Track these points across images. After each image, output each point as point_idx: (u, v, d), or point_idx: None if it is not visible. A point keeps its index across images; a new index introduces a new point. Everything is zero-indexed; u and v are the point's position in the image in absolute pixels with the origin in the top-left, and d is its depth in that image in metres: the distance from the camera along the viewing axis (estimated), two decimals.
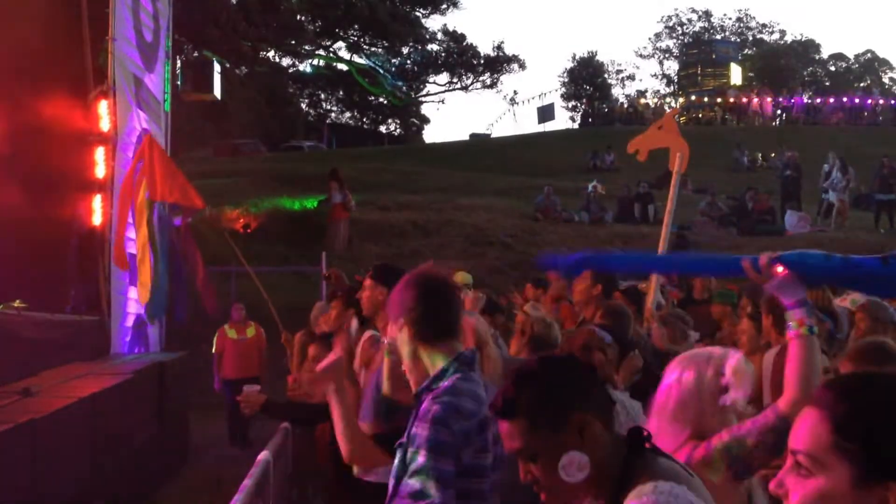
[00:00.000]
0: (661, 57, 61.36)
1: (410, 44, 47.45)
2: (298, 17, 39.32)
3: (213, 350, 10.99)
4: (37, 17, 9.06)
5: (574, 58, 56.39)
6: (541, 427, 2.01)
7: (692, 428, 2.65)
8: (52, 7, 9.28)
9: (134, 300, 9.78)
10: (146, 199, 8.99)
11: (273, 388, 9.99)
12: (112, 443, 6.80)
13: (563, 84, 55.75)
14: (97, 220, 9.36)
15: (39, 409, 5.56)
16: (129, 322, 9.70)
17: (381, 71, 42.99)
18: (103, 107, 9.42)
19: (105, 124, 9.42)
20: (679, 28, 61.58)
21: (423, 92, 51.23)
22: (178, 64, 16.46)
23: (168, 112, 12.18)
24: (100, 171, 9.43)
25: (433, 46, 48.95)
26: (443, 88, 50.75)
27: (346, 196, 18.48)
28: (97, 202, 9.39)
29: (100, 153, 9.42)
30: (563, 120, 54.24)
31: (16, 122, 8.82)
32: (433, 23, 54.72)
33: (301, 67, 45.21)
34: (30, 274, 8.32)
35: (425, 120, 54.25)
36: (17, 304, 7.48)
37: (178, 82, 15.47)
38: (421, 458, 2.51)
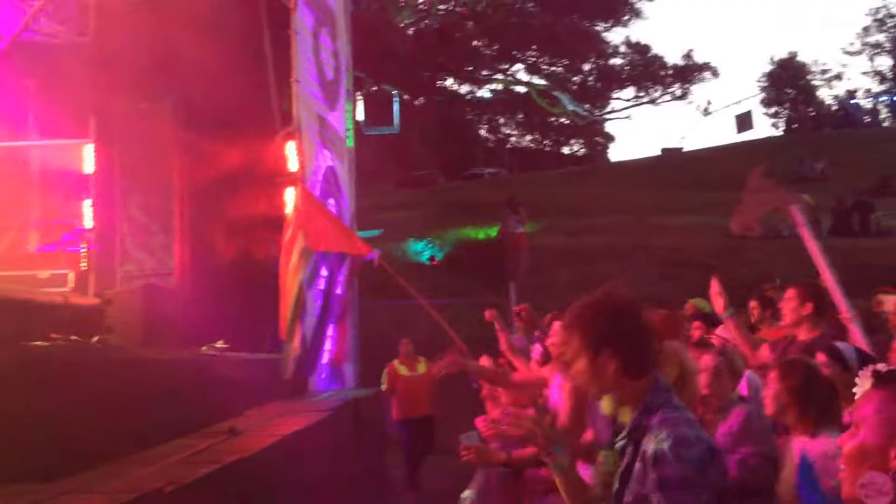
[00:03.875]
0: (872, 53, 58.35)
1: (592, 60, 47.32)
2: (475, 42, 40.11)
3: (384, 387, 11.05)
4: (225, 66, 9.77)
5: (772, 60, 54.59)
6: None
7: None
8: (239, 55, 9.98)
9: (330, 337, 10.28)
10: (303, 250, 9.34)
11: (446, 428, 10.22)
12: (314, 481, 7.15)
13: (763, 89, 54.01)
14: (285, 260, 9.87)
15: (246, 448, 5.93)
16: (326, 359, 10.18)
17: (561, 91, 43.04)
18: (290, 148, 9.96)
19: (293, 165, 9.96)
20: (889, 20, 58.31)
21: (608, 109, 50.90)
22: (359, 99, 17.17)
23: (351, 148, 12.76)
24: (290, 212, 9.97)
25: (616, 60, 48.62)
26: (629, 104, 50.27)
27: (521, 224, 18.67)
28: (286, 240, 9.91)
29: (289, 193, 9.97)
30: (765, 127, 52.53)
31: (211, 168, 9.54)
32: (615, 36, 54.50)
33: (479, 93, 45.98)
34: (229, 314, 8.91)
35: (610, 138, 53.90)
36: (219, 344, 8.04)
37: (360, 118, 16.15)
38: (667, 500, 2.53)
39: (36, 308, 7.21)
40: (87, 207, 10.01)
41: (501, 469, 6.10)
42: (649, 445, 2.60)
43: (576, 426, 4.69)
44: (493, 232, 20.70)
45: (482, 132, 49.87)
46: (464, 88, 45.16)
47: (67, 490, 4.28)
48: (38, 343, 5.81)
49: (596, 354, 2.69)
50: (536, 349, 6.80)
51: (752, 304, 7.92)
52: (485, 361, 7.19)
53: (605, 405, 2.83)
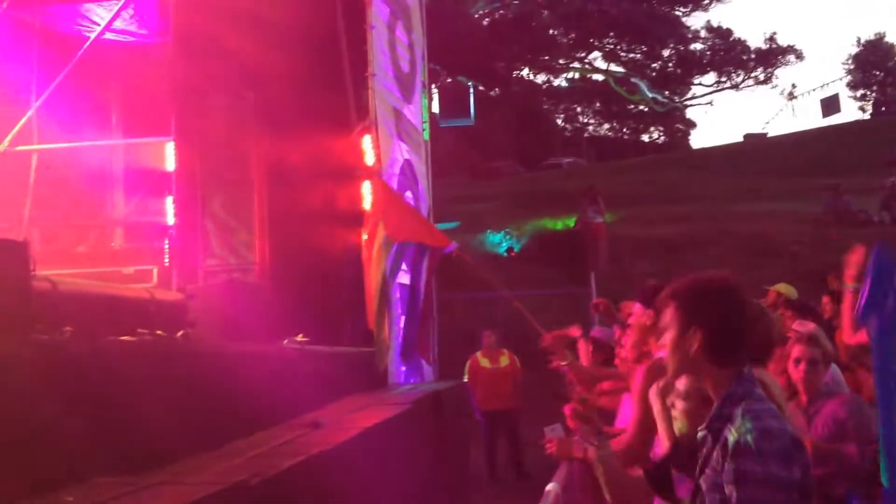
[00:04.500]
0: None
1: (671, 45, 46.63)
2: (551, 31, 39.88)
3: (465, 379, 11.11)
4: (302, 61, 9.89)
5: (859, 42, 53.12)
6: None
7: None
8: (315, 50, 10.08)
9: (409, 330, 10.31)
10: (384, 240, 9.41)
11: (527, 419, 10.18)
12: (396, 474, 7.18)
13: (849, 72, 52.59)
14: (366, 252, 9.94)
15: (328, 441, 5.98)
16: (405, 352, 10.21)
17: (640, 78, 42.52)
18: (367, 141, 10.01)
19: (370, 158, 10.01)
20: None
21: (689, 95, 50.13)
22: (434, 91, 17.23)
23: (427, 141, 12.78)
24: (367, 205, 10.03)
25: (697, 45, 47.83)
26: (710, 89, 49.44)
27: (600, 214, 18.52)
28: (366, 235, 9.98)
29: (366, 187, 10.03)
30: (852, 111, 51.18)
31: (289, 162, 9.67)
32: (695, 20, 53.62)
33: (556, 82, 45.70)
34: (309, 308, 9.01)
35: (691, 124, 53.12)
36: (300, 338, 8.13)
37: (436, 110, 16.19)
38: (744, 493, 2.49)
39: (124, 303, 7.39)
40: (170, 204, 10.23)
41: (584, 463, 6.05)
42: (731, 435, 2.55)
43: (641, 433, 4.57)
44: (571, 222, 20.57)
45: (559, 121, 49.60)
46: (540, 78, 44.99)
47: (153, 482, 4.37)
48: (126, 338, 5.95)
49: (683, 330, 2.68)
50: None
51: (825, 299, 7.72)
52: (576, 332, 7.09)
53: (679, 426, 2.82)
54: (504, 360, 10.97)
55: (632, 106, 48.05)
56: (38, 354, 4.35)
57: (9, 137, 10.44)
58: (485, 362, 11.08)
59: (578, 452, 4.61)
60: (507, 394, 10.93)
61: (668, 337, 2.73)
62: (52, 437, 4.03)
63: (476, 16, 34.44)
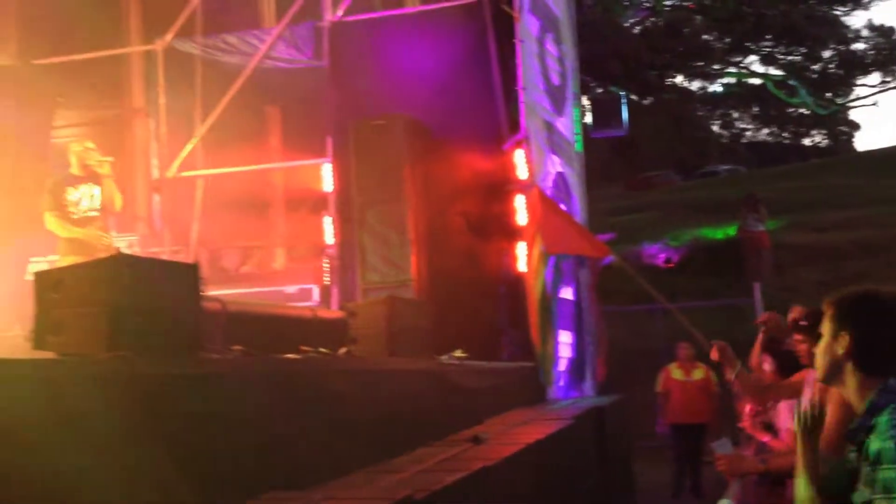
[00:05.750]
0: None
1: (832, 46, 44.85)
2: (704, 37, 39.01)
3: (658, 389, 10.92)
4: (453, 77, 9.98)
5: None
6: None
7: None
8: (466, 66, 10.16)
9: (566, 344, 10.21)
10: (541, 253, 9.36)
11: (721, 436, 9.83)
12: (558, 490, 7.09)
13: None
14: (522, 266, 9.90)
15: (490, 456, 5.94)
16: (563, 366, 10.12)
17: (799, 80, 40.98)
18: (519, 155, 9.98)
19: (522, 172, 9.97)
20: None
21: (852, 96, 48.06)
22: (586, 103, 17.08)
23: (580, 153, 12.65)
24: (521, 219, 10.00)
25: (858, 45, 45.82)
26: (875, 89, 47.24)
27: (761, 222, 17.89)
28: (521, 249, 9.95)
29: (519, 201, 9.99)
30: None
31: (442, 178, 9.76)
32: (856, 20, 51.35)
33: (711, 88, 44.64)
34: (465, 323, 9.03)
35: (856, 126, 50.90)
36: (458, 353, 8.15)
37: (588, 121, 16.04)
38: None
39: (288, 322, 7.58)
40: (328, 224, 10.47)
41: (757, 478, 5.82)
42: (873, 444, 2.50)
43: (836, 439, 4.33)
44: (731, 231, 19.97)
45: (715, 128, 48.43)
46: (694, 84, 44.05)
47: (321, 497, 4.43)
48: (291, 356, 6.08)
49: (834, 334, 2.70)
50: (766, 360, 6.41)
51: None
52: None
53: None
54: (698, 374, 10.60)
55: (792, 109, 46.44)
56: (209, 373, 4.48)
57: (176, 163, 10.97)
58: (677, 374, 10.75)
59: (750, 467, 4.44)
60: (700, 409, 10.51)
61: (822, 341, 2.77)
62: (224, 453, 4.14)
63: (626, 24, 34.03)
